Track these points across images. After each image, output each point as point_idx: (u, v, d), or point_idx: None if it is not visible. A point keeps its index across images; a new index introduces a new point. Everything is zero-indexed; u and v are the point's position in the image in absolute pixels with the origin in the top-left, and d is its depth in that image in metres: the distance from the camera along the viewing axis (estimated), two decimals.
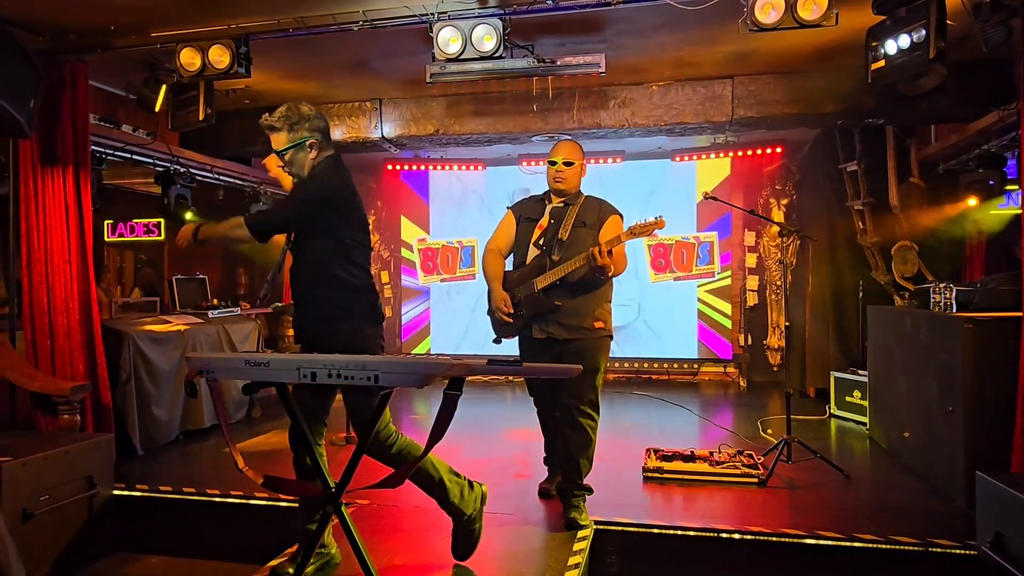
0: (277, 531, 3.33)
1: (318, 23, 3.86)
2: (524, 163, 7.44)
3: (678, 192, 7.39)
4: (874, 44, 3.59)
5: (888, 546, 2.98)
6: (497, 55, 3.73)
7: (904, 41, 3.40)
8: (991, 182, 4.89)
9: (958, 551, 2.93)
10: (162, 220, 8.66)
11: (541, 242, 3.29)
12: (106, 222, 8.88)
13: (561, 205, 3.34)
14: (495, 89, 5.42)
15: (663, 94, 5.30)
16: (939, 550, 2.95)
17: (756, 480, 3.84)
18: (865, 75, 3.70)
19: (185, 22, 3.94)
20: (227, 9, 3.83)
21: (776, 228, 6.66)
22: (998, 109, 4.51)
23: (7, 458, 3.08)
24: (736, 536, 3.10)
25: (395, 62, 4.79)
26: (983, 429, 3.40)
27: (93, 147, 4.47)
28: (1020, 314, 3.28)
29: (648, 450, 4.23)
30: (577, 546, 2.95)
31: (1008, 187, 4.94)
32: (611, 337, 3.31)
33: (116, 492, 3.71)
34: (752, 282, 7.39)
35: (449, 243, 7.97)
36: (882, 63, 3.56)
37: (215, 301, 6.12)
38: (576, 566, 2.75)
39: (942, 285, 3.98)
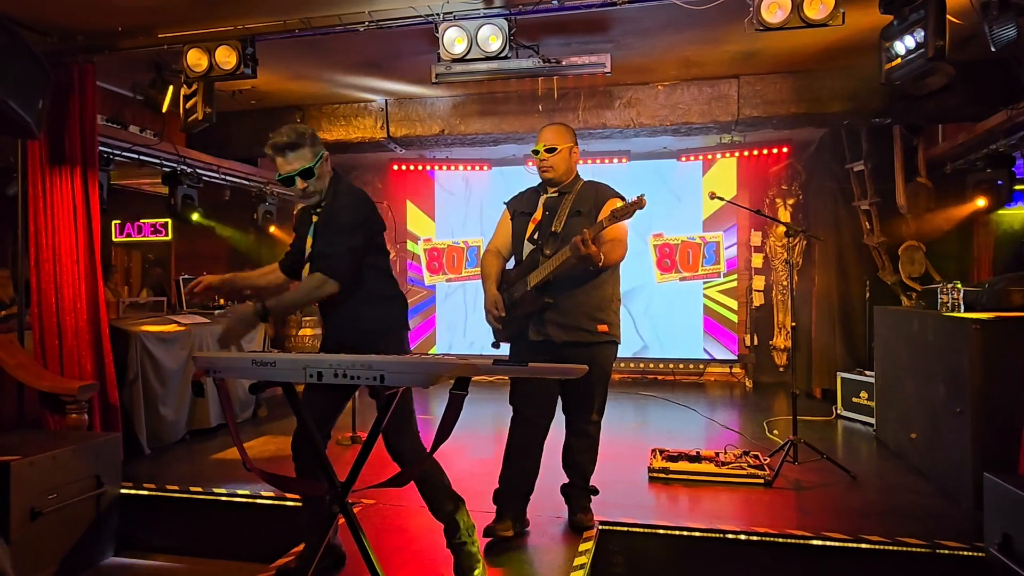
0: (284, 530, 3.34)
1: (324, 24, 3.87)
2: (530, 163, 7.43)
3: (684, 192, 7.37)
4: (887, 45, 3.57)
5: (895, 547, 2.97)
6: (502, 55, 3.73)
7: (909, 42, 3.39)
8: (999, 182, 4.87)
9: (966, 553, 2.91)
10: (169, 220, 8.72)
11: (535, 236, 3.07)
12: (114, 222, 8.93)
13: (555, 195, 3.09)
14: (500, 89, 5.42)
15: (669, 94, 5.29)
16: (946, 552, 2.93)
17: (762, 481, 3.83)
18: (878, 75, 3.68)
19: (192, 23, 3.96)
20: (233, 10, 3.84)
21: (782, 228, 6.65)
22: (1006, 108, 4.49)
23: (16, 457, 3.09)
24: (742, 537, 3.09)
25: (401, 62, 4.80)
26: (991, 430, 3.38)
27: (101, 148, 4.49)
28: None
29: (654, 450, 4.23)
30: (582, 547, 2.95)
31: (1017, 187, 4.92)
32: (617, 343, 3.08)
33: (123, 491, 3.73)
34: (758, 282, 7.37)
35: (455, 243, 7.97)
36: (896, 63, 3.53)
37: (221, 301, 6.14)
38: (581, 567, 2.75)
39: (950, 285, 3.96)
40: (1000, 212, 5.30)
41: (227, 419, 2.27)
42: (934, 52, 3.20)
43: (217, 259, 8.93)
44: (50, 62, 3.79)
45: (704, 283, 7.38)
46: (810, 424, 5.21)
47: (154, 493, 3.76)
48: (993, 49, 3.22)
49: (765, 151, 7.07)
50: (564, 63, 4.01)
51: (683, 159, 7.40)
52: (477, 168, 7.88)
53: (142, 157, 5.29)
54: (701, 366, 7.48)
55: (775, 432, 5.06)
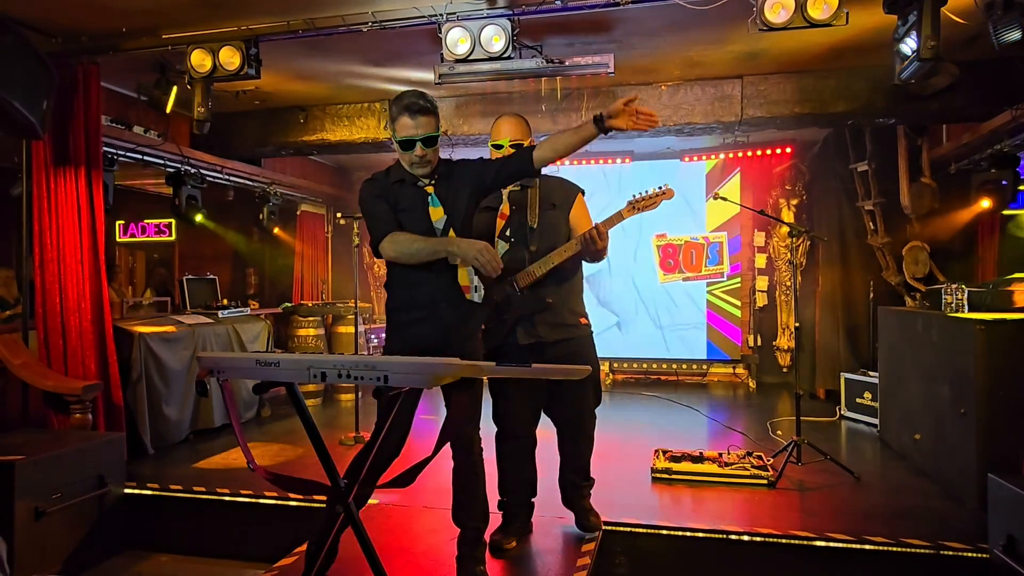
0: (287, 530, 3.35)
1: (328, 24, 3.87)
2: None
3: (687, 192, 7.36)
4: (897, 46, 3.56)
5: (899, 549, 2.97)
6: (506, 56, 3.73)
7: (912, 43, 3.38)
8: (1004, 182, 4.85)
9: (970, 554, 2.91)
10: (173, 220, 8.74)
11: (508, 232, 2.91)
12: (117, 223, 8.95)
13: (518, 188, 2.94)
14: (503, 90, 5.42)
15: (672, 94, 5.28)
16: (951, 553, 2.93)
17: (765, 481, 3.82)
18: (881, 75, 3.67)
19: (195, 24, 3.97)
20: (237, 11, 3.85)
21: (786, 228, 6.64)
22: (1011, 108, 4.47)
23: (20, 456, 3.11)
24: (745, 538, 3.09)
25: (404, 63, 4.80)
26: (995, 431, 3.37)
27: (105, 148, 4.51)
28: None
29: (657, 451, 4.22)
30: (585, 547, 2.94)
31: (1021, 187, 4.90)
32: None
33: (127, 491, 3.74)
34: (762, 283, 7.37)
35: None
36: (905, 64, 3.53)
37: (225, 301, 6.16)
38: (584, 567, 2.75)
39: (954, 286, 3.95)
40: (1004, 212, 5.27)
41: (231, 419, 2.28)
42: (928, 53, 3.19)
43: (221, 260, 8.95)
44: (55, 63, 3.81)
45: (707, 283, 7.37)
46: (814, 425, 5.20)
47: (157, 493, 3.77)
48: (997, 49, 3.21)
49: (769, 151, 7.05)
50: (567, 63, 4.01)
51: (686, 159, 7.38)
52: None
53: (146, 157, 5.30)
54: (704, 366, 7.47)
55: (778, 433, 5.05)
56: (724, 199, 4.71)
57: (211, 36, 3.98)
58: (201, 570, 3.52)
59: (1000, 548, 2.72)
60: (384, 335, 2.80)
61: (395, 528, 3.21)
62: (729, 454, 4.14)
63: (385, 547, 2.92)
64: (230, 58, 3.96)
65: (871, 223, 6.05)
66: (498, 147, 2.89)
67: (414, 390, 2.17)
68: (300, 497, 3.49)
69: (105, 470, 3.56)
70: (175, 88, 4.59)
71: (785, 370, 7.27)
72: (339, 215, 5.42)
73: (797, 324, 4.61)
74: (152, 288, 8.39)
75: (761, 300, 7.35)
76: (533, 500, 3.11)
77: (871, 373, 5.31)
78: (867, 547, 2.99)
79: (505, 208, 2.94)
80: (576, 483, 3.13)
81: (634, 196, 2.87)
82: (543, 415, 3.06)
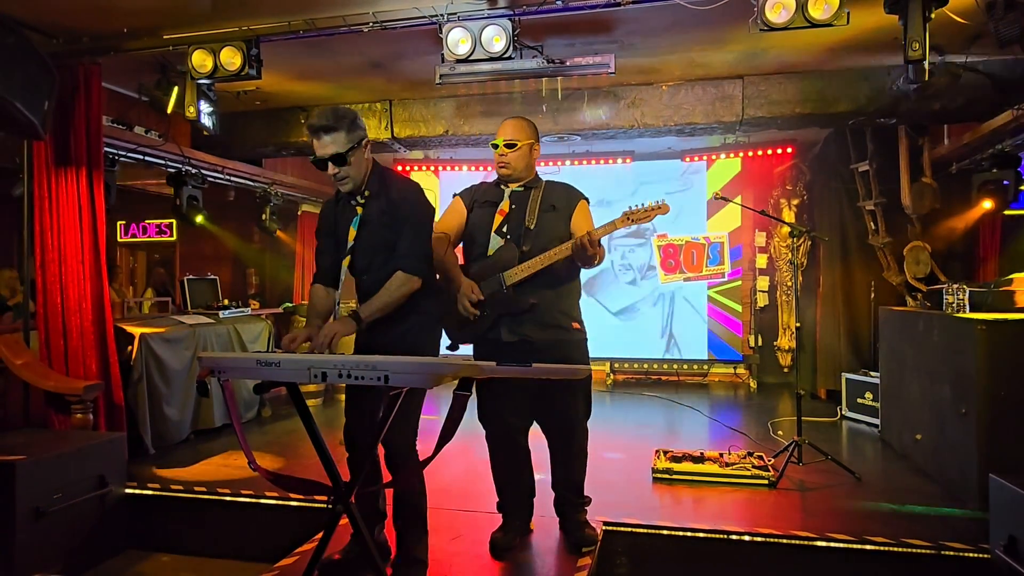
0: (287, 530, 3.35)
1: (329, 25, 3.87)
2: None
3: (688, 193, 7.36)
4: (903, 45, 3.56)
5: (900, 549, 2.96)
6: (506, 56, 3.72)
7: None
8: (1005, 182, 4.84)
9: (971, 555, 2.90)
10: (174, 221, 8.75)
11: (504, 229, 2.87)
12: (118, 223, 8.96)
13: (521, 189, 2.94)
14: (504, 90, 5.42)
15: (673, 94, 5.28)
16: (952, 553, 2.92)
17: (766, 482, 3.82)
18: (882, 75, 3.66)
19: (196, 24, 3.97)
20: (238, 11, 3.85)
21: (787, 228, 6.63)
22: (1012, 108, 4.47)
23: (21, 456, 3.11)
24: (746, 538, 3.09)
25: (405, 63, 4.81)
26: (997, 431, 3.37)
27: (106, 148, 4.51)
28: None
29: (657, 451, 4.22)
30: (586, 547, 2.94)
31: (1022, 187, 4.90)
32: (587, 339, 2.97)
33: (128, 491, 3.74)
34: (763, 283, 7.36)
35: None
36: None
37: (226, 301, 6.16)
38: (585, 567, 2.75)
39: (955, 286, 3.95)
40: (1006, 212, 5.27)
41: (232, 419, 2.28)
42: (914, 55, 3.19)
43: (222, 260, 8.96)
44: (56, 63, 3.81)
45: (708, 284, 7.36)
46: (815, 425, 5.19)
47: (158, 493, 3.77)
48: (999, 48, 3.21)
49: (770, 151, 7.05)
50: (568, 64, 4.01)
51: (687, 159, 7.39)
52: (482, 169, 7.88)
53: (147, 158, 5.31)
54: (705, 367, 7.47)
55: (779, 433, 5.05)
56: (725, 199, 4.71)
57: (212, 36, 3.98)
58: (202, 570, 3.52)
59: (1001, 548, 2.71)
60: None
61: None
62: (730, 454, 4.13)
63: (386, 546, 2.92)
64: (231, 58, 3.96)
65: (872, 223, 6.05)
66: (495, 146, 2.95)
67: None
68: (301, 497, 3.49)
69: (106, 470, 3.56)
70: (176, 88, 4.60)
71: (786, 370, 7.27)
72: None
73: (798, 324, 4.61)
74: (153, 288, 8.41)
75: (762, 300, 7.35)
76: (533, 501, 3.09)
77: (872, 373, 5.31)
78: (868, 547, 2.99)
79: (505, 205, 2.92)
80: (571, 500, 3.01)
81: (631, 208, 2.84)
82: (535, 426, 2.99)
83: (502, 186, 2.99)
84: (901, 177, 5.69)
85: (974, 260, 5.84)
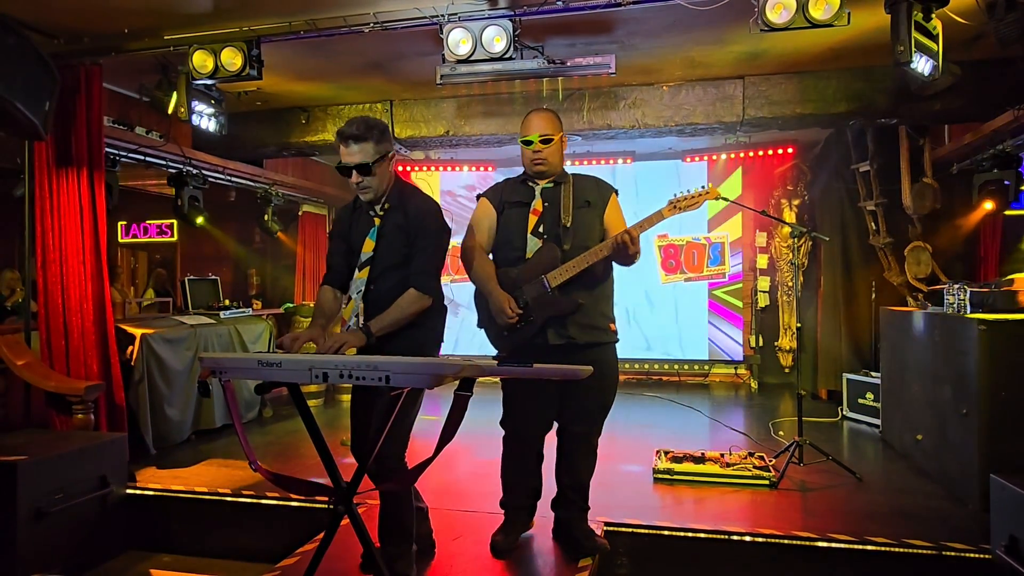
0: (288, 531, 3.35)
1: (329, 25, 3.87)
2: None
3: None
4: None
5: (901, 549, 2.96)
6: (507, 56, 3.73)
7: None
8: (1006, 182, 4.84)
9: (972, 555, 2.90)
10: (175, 221, 8.76)
11: (541, 229, 2.79)
12: (119, 223, 8.97)
13: (552, 185, 2.85)
14: (505, 90, 5.42)
15: (673, 95, 5.28)
16: (953, 554, 2.92)
17: (767, 482, 3.82)
18: (883, 75, 3.66)
19: (197, 25, 3.97)
20: (239, 12, 3.85)
21: (788, 229, 6.64)
22: (1013, 108, 4.47)
23: (22, 457, 3.11)
24: (747, 538, 3.09)
25: (405, 64, 4.81)
26: (997, 432, 3.37)
27: (107, 149, 4.52)
28: None
29: (658, 451, 4.22)
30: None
31: (1023, 187, 4.89)
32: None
33: (129, 491, 3.74)
34: (763, 283, 7.36)
35: (459, 244, 7.96)
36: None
37: (227, 302, 6.17)
38: (586, 567, 2.75)
39: (956, 286, 3.94)
40: (1007, 212, 5.27)
41: (233, 420, 2.28)
42: (901, 57, 3.19)
43: (222, 260, 8.96)
44: (57, 64, 3.81)
45: (709, 284, 7.36)
46: (815, 425, 5.19)
47: (159, 493, 3.77)
48: (1000, 48, 3.21)
49: (770, 152, 7.05)
50: (569, 64, 4.01)
51: (688, 160, 7.39)
52: (483, 169, 7.89)
53: (148, 158, 5.31)
54: (706, 367, 7.47)
55: (780, 433, 5.05)
56: (726, 200, 4.69)
57: (213, 37, 3.98)
58: (203, 570, 3.52)
59: (1002, 549, 2.71)
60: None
61: None
62: (731, 455, 4.13)
63: None
64: (232, 59, 3.96)
65: (873, 223, 6.05)
66: (527, 143, 2.81)
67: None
68: (301, 497, 3.49)
69: (107, 470, 3.56)
70: (176, 89, 4.60)
71: (787, 370, 7.26)
72: None
73: (799, 324, 4.61)
74: (154, 289, 8.41)
75: (763, 301, 7.34)
76: (536, 503, 3.09)
77: (873, 373, 5.31)
78: (869, 548, 2.99)
79: (538, 204, 2.83)
80: (575, 501, 2.94)
81: (675, 195, 2.76)
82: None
83: (530, 183, 2.89)
84: (902, 177, 5.69)
85: (975, 260, 5.83)
